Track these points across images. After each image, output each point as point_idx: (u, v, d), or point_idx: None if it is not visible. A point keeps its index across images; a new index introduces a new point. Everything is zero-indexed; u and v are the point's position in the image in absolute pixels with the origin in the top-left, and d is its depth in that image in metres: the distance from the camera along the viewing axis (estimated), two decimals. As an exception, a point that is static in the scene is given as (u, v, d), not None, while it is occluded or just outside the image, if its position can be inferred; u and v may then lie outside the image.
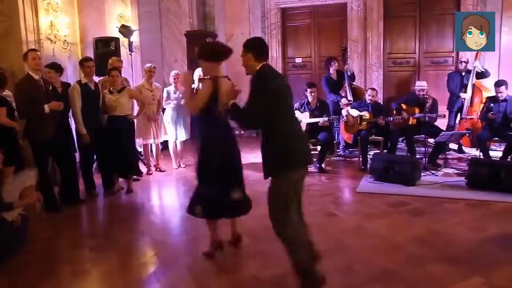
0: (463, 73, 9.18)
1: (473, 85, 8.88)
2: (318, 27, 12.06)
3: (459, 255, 4.47)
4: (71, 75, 8.13)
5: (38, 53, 6.37)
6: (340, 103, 9.28)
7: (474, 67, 8.91)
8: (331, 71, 9.68)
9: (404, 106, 8.51)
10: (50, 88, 6.43)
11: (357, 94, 9.45)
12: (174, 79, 8.57)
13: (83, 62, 7.01)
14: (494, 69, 9.77)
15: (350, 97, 9.32)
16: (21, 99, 6.13)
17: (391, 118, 8.30)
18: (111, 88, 7.10)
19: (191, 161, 9.24)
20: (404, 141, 8.68)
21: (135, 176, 7.67)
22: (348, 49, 10.91)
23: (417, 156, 8.03)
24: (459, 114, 9.24)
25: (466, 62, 9.20)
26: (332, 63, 9.68)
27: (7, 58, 7.31)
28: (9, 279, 4.36)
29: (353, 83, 9.74)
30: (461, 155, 9.07)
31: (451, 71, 9.78)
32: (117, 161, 7.09)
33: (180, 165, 8.89)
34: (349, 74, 9.59)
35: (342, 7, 11.64)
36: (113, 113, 7.04)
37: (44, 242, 5.27)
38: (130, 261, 4.70)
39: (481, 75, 9.02)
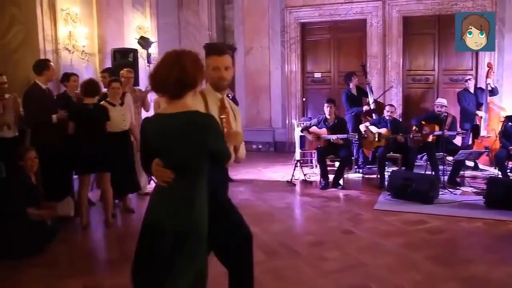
0: (473, 91, 9.23)
1: (487, 103, 8.85)
2: (338, 42, 12.00)
3: (475, 275, 4.41)
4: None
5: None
6: (362, 111, 9.47)
7: (488, 84, 8.91)
8: (351, 86, 9.70)
9: (424, 123, 8.42)
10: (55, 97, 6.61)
11: (380, 106, 9.44)
12: None
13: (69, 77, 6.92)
14: (510, 87, 9.74)
15: (371, 101, 9.44)
16: (30, 106, 6.13)
17: (411, 135, 8.23)
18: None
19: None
20: (423, 158, 8.58)
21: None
22: (368, 65, 10.96)
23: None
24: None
25: (469, 80, 9.30)
26: (352, 78, 9.70)
27: (24, 66, 7.30)
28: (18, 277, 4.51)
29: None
30: (477, 173, 8.94)
31: (461, 89, 9.61)
32: None
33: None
34: (371, 86, 9.74)
35: (361, 23, 11.59)
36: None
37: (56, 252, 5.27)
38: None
39: (491, 92, 9.02)
